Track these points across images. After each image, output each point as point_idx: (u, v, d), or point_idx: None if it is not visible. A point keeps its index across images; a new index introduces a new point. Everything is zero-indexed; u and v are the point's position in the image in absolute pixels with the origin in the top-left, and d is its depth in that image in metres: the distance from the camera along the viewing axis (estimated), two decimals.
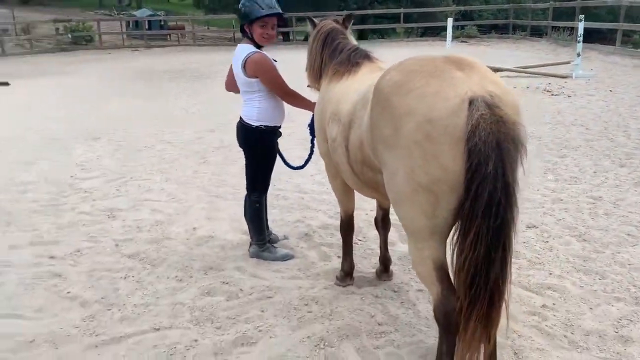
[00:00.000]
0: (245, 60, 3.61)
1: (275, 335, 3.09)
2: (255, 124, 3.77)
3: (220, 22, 38.54)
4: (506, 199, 2.05)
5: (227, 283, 3.69)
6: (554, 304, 3.37)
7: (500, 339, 2.95)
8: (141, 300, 3.48)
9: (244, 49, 3.68)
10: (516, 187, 2.11)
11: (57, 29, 28.34)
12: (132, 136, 8.20)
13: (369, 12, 29.85)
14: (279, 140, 4.02)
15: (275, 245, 4.19)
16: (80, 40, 28.98)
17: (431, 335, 3.00)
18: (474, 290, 2.15)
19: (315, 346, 2.98)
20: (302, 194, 5.47)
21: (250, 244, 4.11)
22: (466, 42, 25.26)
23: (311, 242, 4.35)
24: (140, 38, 30.82)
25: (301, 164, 4.23)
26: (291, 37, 30.75)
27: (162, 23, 35.09)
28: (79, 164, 6.68)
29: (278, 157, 4.03)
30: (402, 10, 28.12)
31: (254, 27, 3.71)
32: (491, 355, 2.42)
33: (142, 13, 35.84)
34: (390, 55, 15.51)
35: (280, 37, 30.75)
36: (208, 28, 39.79)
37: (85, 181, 6.00)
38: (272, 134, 3.86)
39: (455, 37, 27.01)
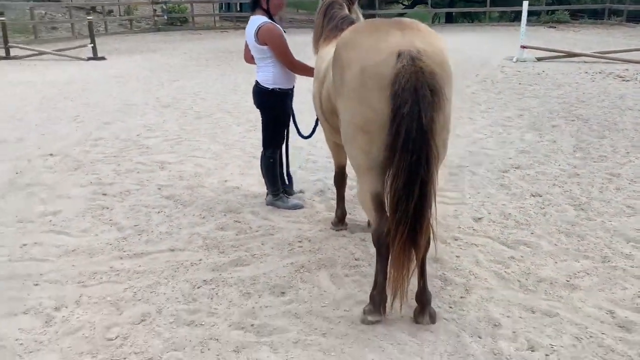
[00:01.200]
0: (258, 29, 4.12)
1: (265, 261, 3.65)
2: (270, 87, 4.30)
3: (309, 5, 39.35)
4: (422, 137, 2.45)
5: (239, 222, 4.30)
6: (521, 256, 3.68)
7: (459, 278, 3.34)
8: (166, 229, 4.16)
9: (257, 20, 4.18)
10: (435, 127, 2.49)
11: (154, 10, 30.30)
12: (198, 105, 9.02)
13: None
14: (296, 110, 4.51)
15: (288, 196, 4.72)
16: (175, 21, 30.83)
17: None
18: (398, 215, 2.56)
19: (296, 271, 3.51)
20: (330, 158, 5.95)
21: (267, 194, 4.67)
22: (554, 27, 24.32)
23: (323, 197, 4.86)
24: (230, 20, 32.24)
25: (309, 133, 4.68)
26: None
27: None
28: (146, 126, 7.55)
29: (291, 124, 4.54)
30: None
31: None
32: (421, 274, 2.83)
33: None
34: (455, 40, 15.55)
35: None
36: (297, 11, 40.63)
37: (148, 139, 6.83)
38: (285, 95, 4.37)
39: (544, 22, 26.15)
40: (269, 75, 4.29)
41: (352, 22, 3.78)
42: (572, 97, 9.04)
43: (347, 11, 3.98)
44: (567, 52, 13.86)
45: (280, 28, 4.20)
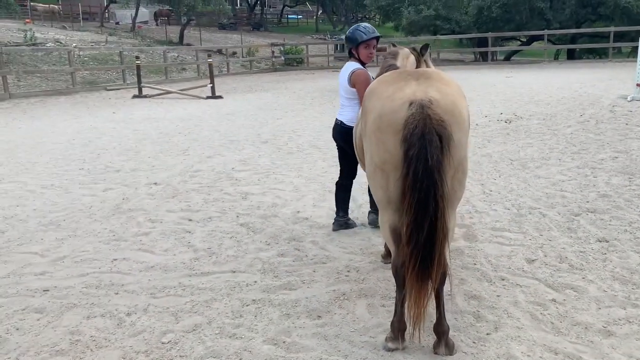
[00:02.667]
0: (352, 73, 4.69)
1: (311, 287, 3.97)
2: (353, 125, 4.73)
3: (421, 42, 39.75)
4: (429, 177, 2.68)
5: (299, 250, 4.68)
6: (564, 299, 3.68)
7: (492, 316, 3.43)
8: (233, 253, 4.65)
9: (352, 65, 4.77)
10: (443, 169, 2.71)
11: (272, 51, 32.36)
12: (293, 141, 9.66)
13: (572, 31, 28.07)
14: None
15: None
16: (292, 62, 32.69)
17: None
18: (410, 248, 2.79)
19: (337, 298, 3.79)
20: None
21: (335, 219, 5.13)
22: None
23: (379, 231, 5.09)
24: (343, 60, 33.47)
25: None
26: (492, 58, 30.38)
27: None
28: (242, 160, 8.26)
29: None
30: (612, 29, 26.05)
31: (359, 49, 4.76)
32: (437, 306, 3.00)
33: None
34: (569, 77, 15.13)
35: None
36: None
37: (240, 172, 7.50)
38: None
39: None
40: (353, 114, 4.74)
41: (389, 69, 4.07)
42: None
43: (397, 61, 4.24)
44: None
45: (370, 75, 4.67)
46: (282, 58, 32.63)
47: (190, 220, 5.56)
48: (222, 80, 24.36)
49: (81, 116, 13.72)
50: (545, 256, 4.41)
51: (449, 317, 3.44)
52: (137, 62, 18.90)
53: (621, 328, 3.30)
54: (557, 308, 3.56)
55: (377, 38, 4.79)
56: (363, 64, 4.80)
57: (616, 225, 5.01)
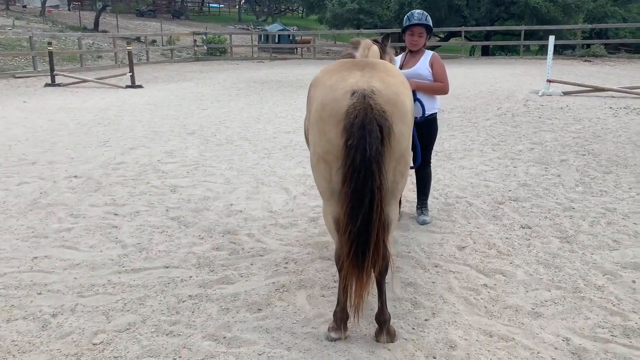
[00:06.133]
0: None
1: (250, 280, 3.90)
2: None
3: (346, 36, 40.16)
4: (367, 168, 2.68)
5: (234, 243, 4.58)
6: (495, 284, 3.83)
7: (429, 302, 3.50)
8: (165, 248, 4.48)
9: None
10: (382, 160, 2.72)
11: (194, 40, 31.54)
12: (221, 133, 9.46)
13: (487, 28, 29.42)
14: None
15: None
16: (214, 52, 31.99)
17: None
18: (346, 238, 2.78)
19: (276, 290, 3.75)
20: None
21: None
22: (590, 61, 24.15)
23: (317, 223, 5.09)
24: (267, 51, 33.22)
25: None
26: None
27: (291, 37, 37.51)
28: (167, 152, 7.98)
29: None
30: (523, 27, 27.50)
31: (405, 35, 4.85)
32: (379, 296, 3.03)
33: (273, 28, 38.44)
34: (485, 73, 15.68)
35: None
36: (335, 42, 41.40)
37: (167, 165, 7.24)
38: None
39: (580, 56, 26.01)
40: None
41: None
42: (588, 132, 9.07)
43: (357, 51, 4.19)
44: (594, 87, 13.82)
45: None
46: (205, 47, 31.89)
47: (116, 214, 5.30)
48: (141, 69, 23.45)
49: None
50: (475, 243, 4.58)
51: (388, 305, 3.50)
52: (49, 48, 17.80)
53: (548, 309, 3.48)
54: (488, 292, 3.71)
55: (424, 26, 4.79)
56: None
57: (537, 212, 5.29)
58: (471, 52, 35.57)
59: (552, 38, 14.47)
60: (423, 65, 4.87)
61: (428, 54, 4.94)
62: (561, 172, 6.73)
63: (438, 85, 4.90)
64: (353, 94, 2.75)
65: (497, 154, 7.76)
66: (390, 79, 2.90)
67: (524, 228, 4.90)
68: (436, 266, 4.15)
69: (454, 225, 4.99)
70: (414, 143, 4.86)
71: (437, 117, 5.04)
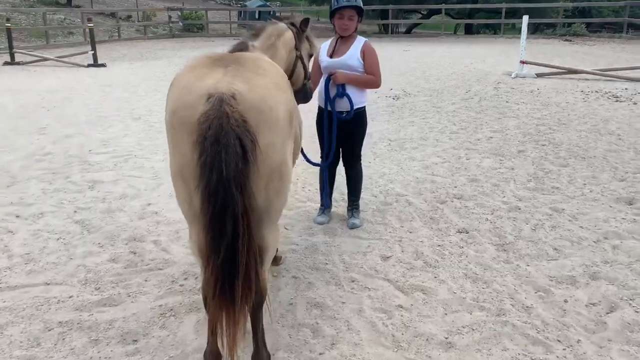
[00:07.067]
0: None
1: (136, 301, 3.44)
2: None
3: (325, 13, 39.21)
4: (225, 191, 2.20)
5: (135, 253, 4.11)
6: (411, 304, 3.41)
7: (330, 329, 3.08)
8: (55, 259, 4.00)
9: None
10: (245, 179, 2.24)
11: (169, 16, 30.52)
12: None
13: (468, 6, 28.77)
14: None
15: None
16: (191, 28, 30.99)
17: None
18: (210, 271, 2.32)
19: (161, 314, 3.30)
20: None
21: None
22: (570, 40, 23.68)
23: None
24: (246, 27, 32.29)
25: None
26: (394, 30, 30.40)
27: (272, 13, 36.58)
28: (103, 141, 7.45)
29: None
30: (503, 5, 26.84)
31: (334, 19, 4.33)
32: (254, 334, 2.59)
33: (253, 4, 37.46)
34: (465, 52, 15.14)
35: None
36: (318, 19, 40.48)
37: (97, 155, 6.72)
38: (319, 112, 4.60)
39: (560, 35, 25.51)
40: None
41: (239, 50, 3.54)
42: (554, 119, 8.65)
43: (257, 40, 3.63)
44: (568, 69, 13.37)
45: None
46: (181, 24, 30.91)
47: (17, 216, 4.80)
48: (111, 47, 22.67)
49: None
50: (402, 252, 4.15)
51: (284, 333, 3.08)
52: (6, 24, 16.97)
53: (463, 338, 3.07)
54: (402, 316, 3.28)
55: (354, 8, 4.27)
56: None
57: (478, 213, 4.88)
58: (455, 30, 34.91)
59: (525, 18, 13.98)
60: (353, 54, 4.37)
61: (360, 41, 4.43)
62: (516, 164, 6.31)
63: (369, 79, 4.40)
64: (209, 98, 2.26)
65: (453, 143, 7.31)
66: (258, 78, 2.40)
67: (460, 233, 4.48)
68: (353, 281, 3.72)
69: (385, 230, 4.56)
70: (327, 140, 4.43)
71: (366, 109, 4.55)
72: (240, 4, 44.32)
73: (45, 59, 16.68)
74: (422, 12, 35.36)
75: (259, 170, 2.32)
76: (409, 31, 34.59)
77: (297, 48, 3.88)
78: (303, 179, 5.77)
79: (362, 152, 4.68)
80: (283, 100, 2.47)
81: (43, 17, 22.93)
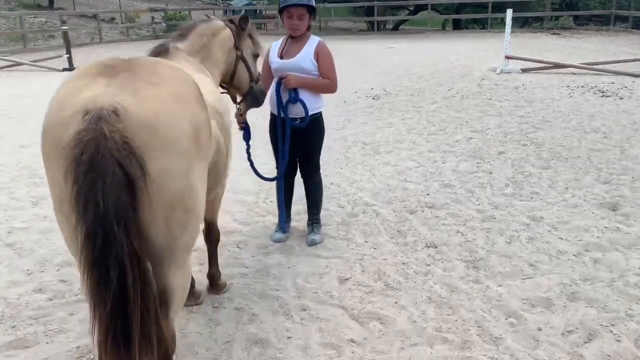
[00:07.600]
0: None
1: (53, 343, 3.03)
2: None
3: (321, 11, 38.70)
4: (104, 229, 1.79)
5: (65, 282, 3.70)
6: (365, 338, 3.01)
7: None
8: None
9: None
10: (128, 215, 1.83)
11: (152, 17, 30.00)
12: None
13: (455, 0, 28.36)
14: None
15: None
16: (175, 29, 30.48)
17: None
18: (97, 324, 1.92)
19: (77, 358, 2.89)
20: None
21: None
22: (558, 34, 23.34)
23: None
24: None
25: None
26: (380, 27, 29.98)
27: (258, 12, 36.12)
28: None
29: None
30: None
31: (284, 18, 3.96)
32: None
33: (239, 2, 36.98)
34: (450, 48, 14.71)
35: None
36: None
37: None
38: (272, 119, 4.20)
39: (548, 28, 25.17)
40: None
41: (157, 54, 3.15)
42: (538, 117, 8.27)
43: (184, 41, 3.25)
44: (554, 63, 13.01)
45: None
46: (164, 25, 30.41)
47: None
48: (92, 50, 22.18)
49: None
50: (363, 272, 3.75)
51: None
52: None
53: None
54: (352, 353, 2.89)
55: (304, 6, 3.84)
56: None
57: (450, 224, 4.49)
58: (443, 26, 34.50)
59: (509, 12, 13.62)
60: (307, 56, 3.96)
61: (313, 41, 4.02)
62: (494, 167, 5.92)
63: (325, 83, 3.99)
64: (85, 115, 1.85)
65: (429, 145, 6.92)
66: (150, 89, 1.99)
67: (428, 247, 4.10)
68: (304, 309, 3.32)
69: (347, 246, 4.16)
70: (281, 150, 4.03)
71: (322, 115, 4.16)
72: (226, 3, 43.83)
73: (19, 64, 16.21)
74: (409, 9, 34.94)
75: (153, 202, 1.92)
76: (396, 28, 34.18)
77: (237, 47, 3.50)
78: (266, 190, 5.36)
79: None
80: (185, 115, 2.06)
81: (19, 20, 22.40)
